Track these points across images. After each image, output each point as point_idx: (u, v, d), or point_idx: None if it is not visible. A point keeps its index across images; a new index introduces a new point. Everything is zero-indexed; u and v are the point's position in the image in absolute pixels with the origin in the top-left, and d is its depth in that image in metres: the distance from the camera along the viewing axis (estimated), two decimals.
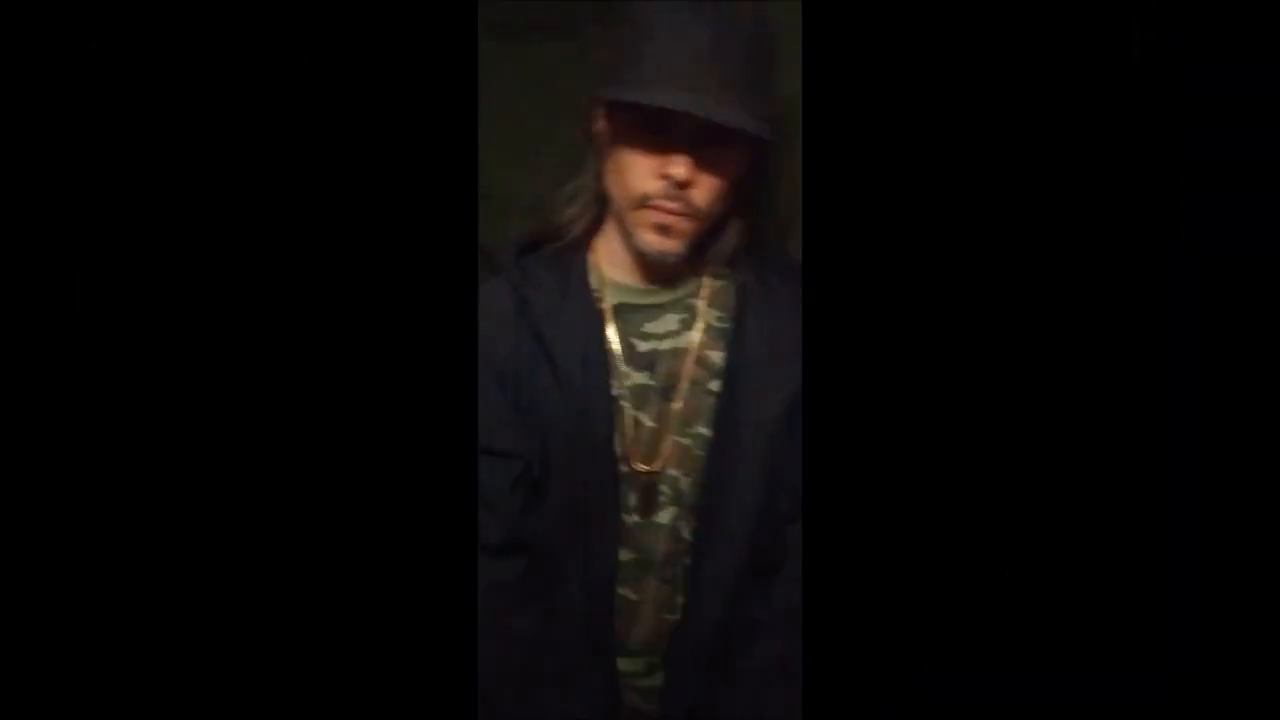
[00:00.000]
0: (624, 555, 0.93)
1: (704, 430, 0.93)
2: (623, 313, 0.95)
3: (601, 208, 0.95)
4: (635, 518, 0.93)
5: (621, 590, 0.93)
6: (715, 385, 0.93)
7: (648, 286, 0.95)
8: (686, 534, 0.93)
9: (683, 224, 0.88)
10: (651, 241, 0.89)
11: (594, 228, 0.97)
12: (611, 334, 0.94)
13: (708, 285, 0.95)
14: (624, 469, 0.93)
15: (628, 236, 0.92)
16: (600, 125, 0.92)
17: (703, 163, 0.87)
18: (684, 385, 0.93)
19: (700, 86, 0.83)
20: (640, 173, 0.87)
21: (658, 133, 0.86)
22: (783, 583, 0.92)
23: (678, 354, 0.94)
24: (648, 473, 0.93)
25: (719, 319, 0.96)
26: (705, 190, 0.88)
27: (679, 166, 0.85)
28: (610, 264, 0.96)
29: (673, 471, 0.93)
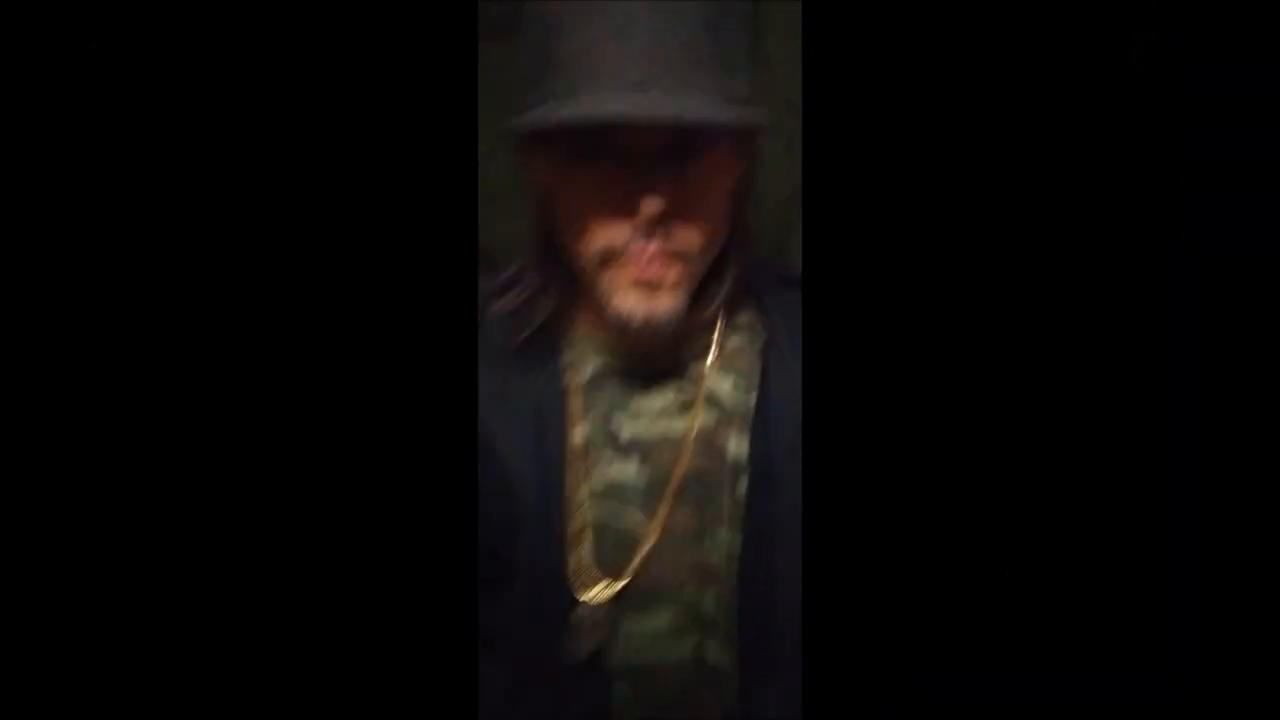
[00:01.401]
0: (622, 691, 0.70)
1: (730, 539, 0.70)
2: (600, 385, 0.72)
3: (566, 276, 0.70)
4: (649, 646, 0.70)
5: None
6: (741, 485, 0.70)
7: (637, 351, 0.71)
8: (720, 661, 0.71)
9: (671, 273, 0.65)
10: (634, 307, 0.65)
11: (564, 302, 0.72)
12: (580, 419, 0.70)
13: (716, 344, 0.72)
14: (618, 587, 0.70)
15: (603, 302, 0.68)
16: (538, 171, 0.69)
17: (682, 188, 0.64)
18: (692, 484, 0.70)
19: (650, 79, 0.60)
20: (600, 224, 0.64)
21: (610, 159, 0.63)
22: None
23: (674, 443, 0.70)
24: (661, 591, 0.70)
25: (736, 387, 0.72)
26: (692, 224, 0.65)
27: (650, 200, 0.62)
28: (591, 320, 0.72)
29: (698, 591, 0.70)
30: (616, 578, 0.70)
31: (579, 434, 0.70)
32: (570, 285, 0.71)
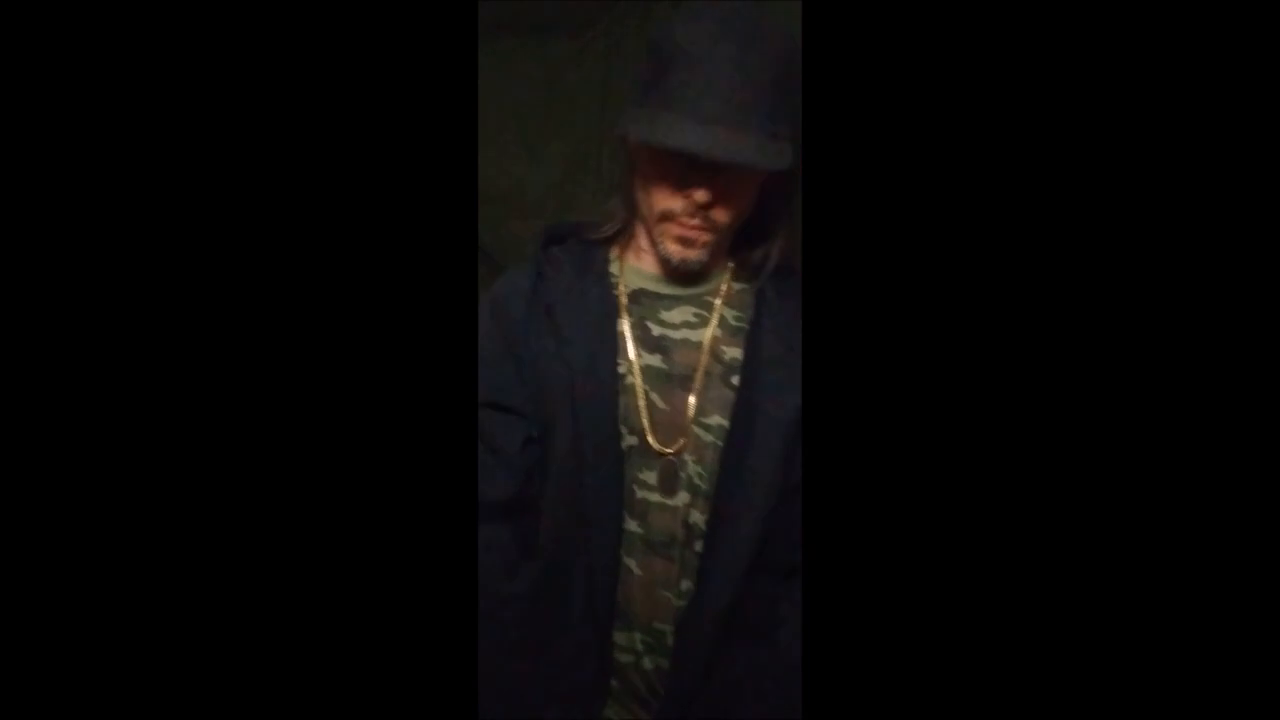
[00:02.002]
0: (631, 527, 0.96)
1: (721, 421, 0.97)
2: (638, 298, 1.01)
3: (631, 212, 1.02)
4: (650, 495, 0.96)
5: (626, 561, 0.96)
6: (734, 379, 0.97)
7: (668, 280, 1.02)
8: (698, 521, 0.95)
9: (705, 236, 0.96)
10: (674, 251, 0.97)
11: (622, 229, 1.04)
12: (624, 317, 0.99)
13: (727, 286, 1.02)
14: (636, 442, 0.96)
15: (653, 242, 0.99)
16: (634, 152, 0.97)
17: (724, 186, 0.93)
18: (700, 376, 0.97)
19: (721, 118, 0.87)
20: (663, 193, 0.94)
21: (683, 159, 0.90)
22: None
23: (692, 345, 0.99)
24: (666, 454, 0.96)
25: (736, 318, 1.01)
26: (727, 209, 0.94)
27: (700, 192, 0.92)
28: (634, 256, 1.03)
29: (689, 458, 0.96)
30: (667, 443, 0.98)
31: (624, 326, 1.00)
32: (632, 220, 1.04)
